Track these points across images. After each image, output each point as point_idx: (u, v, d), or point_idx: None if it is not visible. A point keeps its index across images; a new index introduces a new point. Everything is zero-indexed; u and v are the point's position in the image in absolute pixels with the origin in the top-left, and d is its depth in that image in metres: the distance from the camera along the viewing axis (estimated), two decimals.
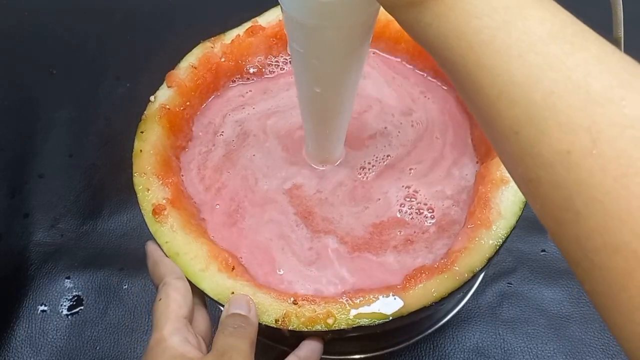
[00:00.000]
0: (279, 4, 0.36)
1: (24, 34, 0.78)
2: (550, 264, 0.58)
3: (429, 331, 0.52)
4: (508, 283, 0.57)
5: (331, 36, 0.36)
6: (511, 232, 0.43)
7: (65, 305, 0.58)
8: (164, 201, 0.45)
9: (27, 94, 0.73)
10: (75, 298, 0.58)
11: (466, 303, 0.53)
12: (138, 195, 0.46)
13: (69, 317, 0.57)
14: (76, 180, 0.66)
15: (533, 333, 0.54)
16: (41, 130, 0.69)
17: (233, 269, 0.43)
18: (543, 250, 0.59)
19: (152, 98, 0.51)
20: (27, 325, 0.56)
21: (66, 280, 0.59)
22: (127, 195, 0.64)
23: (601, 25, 0.29)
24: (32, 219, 0.63)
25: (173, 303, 0.39)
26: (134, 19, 0.79)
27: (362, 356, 0.50)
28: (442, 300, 0.41)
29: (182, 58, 0.53)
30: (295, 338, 0.42)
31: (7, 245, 0.61)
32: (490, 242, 0.42)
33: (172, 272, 0.42)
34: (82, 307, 0.58)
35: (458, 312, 0.54)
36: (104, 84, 0.73)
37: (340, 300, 0.41)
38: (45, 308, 0.57)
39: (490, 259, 0.42)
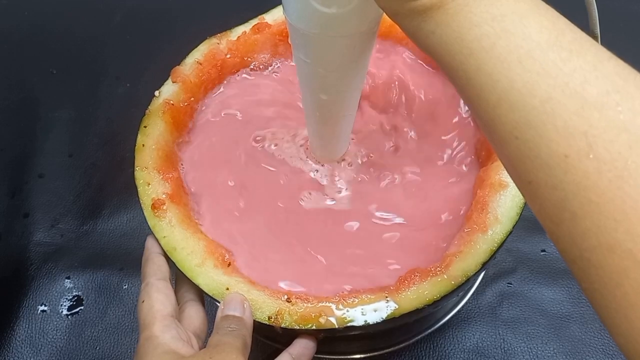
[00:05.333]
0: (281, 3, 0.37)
1: (24, 34, 0.78)
2: (550, 264, 0.58)
3: (429, 331, 0.52)
4: (508, 283, 0.57)
5: (336, 45, 0.37)
6: (507, 237, 0.43)
7: (65, 305, 0.58)
8: (164, 196, 0.46)
9: (27, 94, 0.73)
10: (75, 298, 0.58)
11: (466, 303, 0.53)
12: (138, 189, 0.46)
13: (69, 317, 0.57)
14: (76, 180, 0.66)
15: (533, 333, 0.54)
16: (41, 130, 0.69)
17: (229, 265, 0.44)
18: (543, 250, 0.59)
19: (156, 93, 0.51)
20: (27, 325, 0.56)
21: (66, 280, 0.59)
22: (127, 195, 0.64)
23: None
24: (32, 219, 0.63)
25: (157, 303, 0.40)
26: (134, 19, 0.79)
27: (362, 356, 0.50)
28: (435, 303, 0.40)
29: (183, 57, 0.53)
30: (288, 336, 0.42)
31: (7, 245, 0.61)
32: (485, 246, 0.42)
33: (155, 273, 0.42)
34: (82, 307, 0.58)
35: (458, 312, 0.54)
36: (104, 84, 0.73)
37: (333, 299, 0.41)
38: (45, 308, 0.57)
39: (484, 264, 0.42)
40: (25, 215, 0.63)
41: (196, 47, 0.54)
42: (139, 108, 0.51)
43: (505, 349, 0.54)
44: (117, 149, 0.68)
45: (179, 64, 0.53)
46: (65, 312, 0.57)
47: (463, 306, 0.53)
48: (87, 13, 0.80)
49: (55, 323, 0.57)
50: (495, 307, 0.56)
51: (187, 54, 0.54)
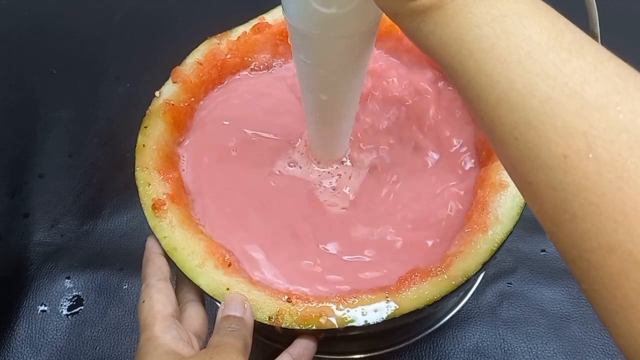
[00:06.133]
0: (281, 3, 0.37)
1: (24, 34, 0.78)
2: (550, 264, 0.58)
3: (429, 331, 0.52)
4: (508, 283, 0.57)
5: (336, 45, 0.37)
6: (507, 237, 0.43)
7: (65, 305, 0.58)
8: (164, 196, 0.46)
9: (27, 94, 0.73)
10: (75, 298, 0.58)
11: (466, 303, 0.53)
12: (139, 190, 0.46)
13: (69, 317, 0.57)
14: (76, 180, 0.66)
15: (533, 333, 0.54)
16: (41, 130, 0.69)
17: (229, 265, 0.44)
18: (543, 250, 0.59)
19: (157, 93, 0.51)
20: (27, 325, 0.56)
21: (66, 280, 0.59)
22: (127, 195, 0.64)
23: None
24: (32, 219, 0.63)
25: (157, 304, 0.40)
26: (134, 19, 0.79)
27: (362, 356, 0.50)
28: (435, 303, 0.40)
29: (184, 57, 0.53)
30: (288, 336, 0.42)
31: (7, 245, 0.61)
32: (486, 246, 0.42)
33: (155, 274, 0.42)
34: (82, 307, 0.58)
35: (458, 312, 0.54)
36: (104, 84, 0.73)
37: (334, 299, 0.41)
38: (45, 308, 0.58)
39: (485, 264, 0.41)
40: (25, 215, 0.63)
41: (196, 47, 0.54)
42: (139, 108, 0.51)
43: (505, 349, 0.54)
44: (117, 149, 0.68)
45: (179, 64, 0.53)
46: (65, 312, 0.57)
47: (463, 306, 0.53)
48: (87, 13, 0.80)
49: (55, 323, 0.57)
50: (495, 307, 0.56)
51: (188, 54, 0.54)
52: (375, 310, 0.40)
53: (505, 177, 0.45)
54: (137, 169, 0.47)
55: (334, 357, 0.50)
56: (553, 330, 0.54)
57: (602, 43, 0.31)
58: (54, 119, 0.70)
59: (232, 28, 0.55)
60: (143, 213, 0.48)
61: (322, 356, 0.49)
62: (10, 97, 0.72)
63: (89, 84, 0.73)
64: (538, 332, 0.54)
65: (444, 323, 0.52)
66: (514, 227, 0.43)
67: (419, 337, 0.51)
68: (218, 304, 0.42)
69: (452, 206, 0.48)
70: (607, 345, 0.53)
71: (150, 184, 0.46)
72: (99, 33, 0.78)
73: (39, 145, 0.68)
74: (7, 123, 0.70)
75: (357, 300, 0.41)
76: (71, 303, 0.58)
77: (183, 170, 0.51)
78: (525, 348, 0.54)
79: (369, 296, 0.41)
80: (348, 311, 0.40)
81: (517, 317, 0.55)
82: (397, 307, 0.40)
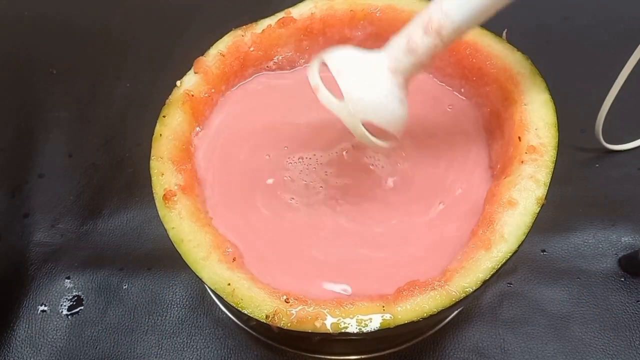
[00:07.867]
0: None
1: (24, 34, 0.78)
2: (550, 264, 0.58)
3: (430, 332, 0.52)
4: (508, 283, 0.57)
5: None
6: (511, 257, 0.42)
7: (65, 305, 0.58)
8: (176, 187, 0.46)
9: (27, 94, 0.73)
10: (75, 298, 0.58)
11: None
12: (152, 179, 0.47)
13: (69, 317, 0.57)
14: (76, 180, 0.66)
15: (533, 333, 0.54)
16: (41, 130, 0.69)
17: (234, 260, 0.44)
18: (543, 250, 0.59)
19: (178, 83, 0.51)
20: (27, 325, 0.56)
21: (66, 280, 0.59)
22: (127, 195, 0.64)
23: None
24: (32, 219, 0.63)
25: None
26: (134, 18, 0.79)
27: (361, 357, 0.50)
28: (432, 317, 0.40)
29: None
30: (284, 336, 0.42)
31: (7, 245, 0.61)
32: (488, 264, 0.41)
33: None
34: (82, 307, 0.58)
35: (458, 312, 0.54)
36: (104, 84, 0.73)
37: (331, 304, 0.41)
38: (45, 308, 0.58)
39: (485, 282, 0.41)
40: (25, 215, 0.63)
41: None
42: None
43: (505, 349, 0.54)
44: (117, 149, 0.68)
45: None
46: (65, 312, 0.57)
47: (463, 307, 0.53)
48: (87, 13, 0.80)
49: (55, 323, 0.57)
50: (495, 307, 0.56)
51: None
52: (371, 320, 0.40)
53: (515, 194, 0.43)
54: (152, 158, 0.47)
55: (333, 357, 0.50)
56: (553, 330, 0.54)
57: None
58: (54, 119, 0.70)
59: (257, 20, 0.54)
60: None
61: (320, 356, 0.49)
62: (10, 97, 0.72)
63: (89, 84, 0.73)
64: (538, 332, 0.54)
65: (444, 323, 0.52)
66: (519, 247, 0.42)
67: (420, 338, 0.51)
68: (217, 299, 0.42)
69: (461, 217, 0.47)
70: (607, 345, 0.53)
71: (164, 174, 0.46)
72: (99, 33, 0.78)
73: (39, 145, 0.68)
74: (7, 123, 0.70)
75: (353, 307, 0.41)
76: (71, 303, 0.58)
77: (198, 161, 0.51)
78: (525, 348, 0.54)
79: (366, 304, 0.41)
80: (343, 318, 0.40)
81: (517, 317, 0.55)
82: (393, 318, 0.40)
